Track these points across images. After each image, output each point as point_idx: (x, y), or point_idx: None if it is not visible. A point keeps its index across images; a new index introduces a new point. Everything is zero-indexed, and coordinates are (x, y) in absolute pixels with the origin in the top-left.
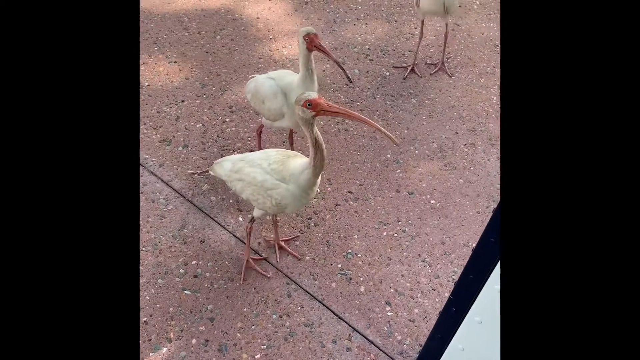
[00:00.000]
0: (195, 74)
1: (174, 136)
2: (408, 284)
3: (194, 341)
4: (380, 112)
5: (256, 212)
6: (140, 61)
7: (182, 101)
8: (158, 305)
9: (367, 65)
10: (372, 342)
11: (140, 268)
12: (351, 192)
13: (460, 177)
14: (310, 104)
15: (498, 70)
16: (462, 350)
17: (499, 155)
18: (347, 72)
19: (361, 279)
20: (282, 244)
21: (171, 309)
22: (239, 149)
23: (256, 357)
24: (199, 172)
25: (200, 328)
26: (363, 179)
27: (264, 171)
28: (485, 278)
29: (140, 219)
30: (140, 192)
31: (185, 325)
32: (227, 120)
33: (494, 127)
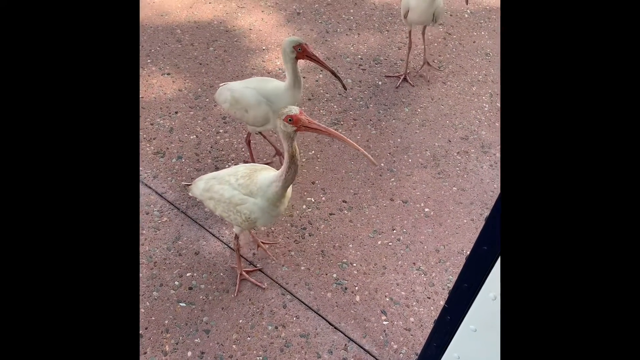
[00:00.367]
0: (188, 86)
1: (167, 148)
2: (403, 293)
3: (189, 353)
4: (373, 121)
5: (235, 229)
6: None
7: (176, 113)
8: (153, 318)
9: (359, 75)
10: (369, 352)
11: None
12: (345, 202)
13: (453, 185)
14: (291, 119)
15: (490, 78)
16: (458, 359)
17: (491, 162)
18: (344, 80)
19: (356, 288)
20: (261, 243)
21: (166, 322)
22: (232, 159)
23: None
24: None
25: (196, 340)
26: (357, 188)
27: (231, 187)
28: (479, 286)
29: None
30: None
31: (181, 338)
32: (221, 131)
33: (487, 134)
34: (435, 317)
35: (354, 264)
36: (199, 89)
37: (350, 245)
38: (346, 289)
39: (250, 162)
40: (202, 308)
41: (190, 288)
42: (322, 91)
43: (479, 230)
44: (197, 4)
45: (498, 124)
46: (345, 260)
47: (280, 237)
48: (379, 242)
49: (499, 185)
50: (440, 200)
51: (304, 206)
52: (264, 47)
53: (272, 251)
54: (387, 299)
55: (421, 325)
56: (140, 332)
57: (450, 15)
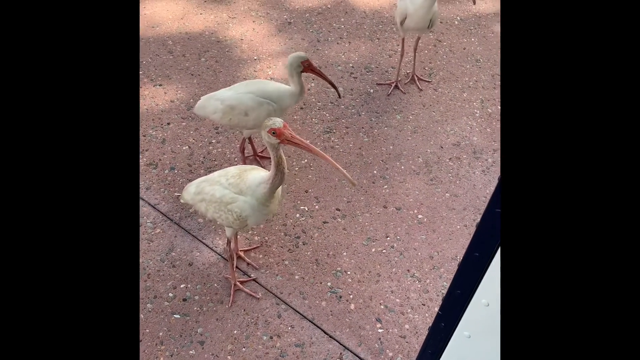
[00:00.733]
0: (180, 97)
1: (160, 159)
2: (398, 300)
3: None
4: (365, 128)
5: (227, 232)
6: None
7: (168, 124)
8: (147, 330)
9: (351, 83)
10: None
11: None
12: (339, 210)
13: (446, 191)
14: (274, 132)
15: (480, 84)
16: None
17: (484, 168)
18: (338, 88)
19: (351, 296)
20: (241, 253)
21: (161, 334)
22: None
23: None
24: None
25: (191, 352)
26: (350, 195)
27: (222, 187)
28: (472, 293)
29: None
30: None
31: (175, 350)
32: (214, 141)
33: (478, 140)
34: (430, 324)
35: (348, 272)
36: (191, 100)
37: (344, 253)
38: (341, 297)
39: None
40: (197, 319)
41: (185, 299)
42: (314, 100)
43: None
44: (188, 15)
45: (489, 130)
46: (339, 269)
47: (274, 246)
48: (373, 250)
49: (492, 190)
50: (433, 206)
51: (298, 215)
52: (255, 57)
53: (286, 271)
54: (382, 307)
55: (416, 332)
56: None
57: (441, 22)
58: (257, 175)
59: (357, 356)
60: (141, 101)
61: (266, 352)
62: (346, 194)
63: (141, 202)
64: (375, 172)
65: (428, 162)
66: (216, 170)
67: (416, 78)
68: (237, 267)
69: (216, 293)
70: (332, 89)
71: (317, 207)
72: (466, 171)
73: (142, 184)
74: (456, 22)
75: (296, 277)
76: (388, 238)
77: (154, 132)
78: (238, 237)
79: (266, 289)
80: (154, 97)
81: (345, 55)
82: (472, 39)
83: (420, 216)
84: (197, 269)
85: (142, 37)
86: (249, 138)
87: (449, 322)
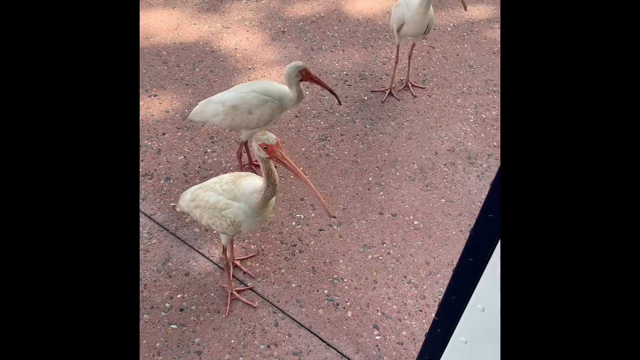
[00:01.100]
0: (175, 107)
1: (155, 169)
2: (395, 307)
3: None
4: (360, 135)
5: (222, 239)
6: None
7: (163, 134)
8: (144, 341)
9: (345, 91)
10: None
11: None
12: (335, 217)
13: (441, 197)
14: (265, 148)
15: (474, 90)
16: None
17: (479, 173)
18: (337, 95)
19: (348, 303)
20: (238, 262)
21: (158, 344)
22: None
23: None
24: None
25: None
26: (346, 203)
27: (216, 193)
28: (468, 298)
29: None
30: None
31: None
32: (209, 150)
33: (473, 145)
34: (427, 330)
35: (345, 280)
36: (186, 110)
37: (341, 261)
38: (338, 304)
39: (238, 166)
40: (194, 329)
41: (181, 309)
42: (308, 108)
43: None
44: (182, 25)
45: (484, 135)
46: (336, 276)
47: (270, 254)
48: (370, 257)
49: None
50: (429, 212)
51: (294, 223)
52: (249, 67)
53: (283, 280)
54: (379, 314)
55: (414, 339)
56: None
57: (434, 29)
58: (252, 182)
59: None
60: None
61: None
62: (342, 201)
63: None
64: (370, 178)
65: (423, 168)
66: (210, 177)
67: (410, 85)
68: (233, 276)
69: (213, 302)
70: (330, 96)
71: (313, 214)
72: (461, 177)
73: None
74: (449, 29)
75: (293, 285)
76: (384, 245)
77: (149, 143)
78: (234, 245)
79: (263, 297)
80: (148, 108)
81: (339, 63)
82: (465, 45)
83: (416, 222)
84: (194, 279)
85: None
86: (246, 145)
87: (445, 328)
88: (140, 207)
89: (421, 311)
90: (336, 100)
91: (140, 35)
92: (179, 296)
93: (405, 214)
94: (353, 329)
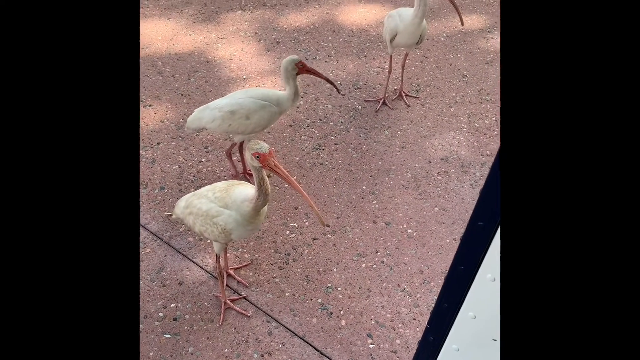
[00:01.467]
0: (170, 117)
1: (150, 179)
2: (389, 315)
3: None
4: (354, 145)
5: (215, 247)
6: None
7: (158, 144)
8: None
9: (339, 100)
10: None
11: None
12: (329, 226)
13: (435, 206)
14: (258, 157)
15: (467, 99)
16: None
17: (472, 182)
18: (336, 85)
19: (342, 312)
20: (231, 271)
21: (151, 354)
22: None
23: None
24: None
25: None
26: (340, 211)
27: (208, 200)
28: (459, 306)
29: None
30: None
31: None
32: (203, 160)
33: (466, 154)
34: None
35: (339, 288)
36: (181, 120)
37: (335, 270)
38: (331, 313)
39: (233, 175)
40: (187, 338)
41: (175, 319)
42: (302, 117)
43: None
44: (177, 36)
45: (477, 144)
46: (329, 285)
47: (264, 263)
48: (363, 265)
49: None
50: (423, 221)
51: (287, 232)
52: (244, 76)
53: (277, 289)
54: (373, 322)
55: (407, 347)
56: None
57: (427, 39)
58: (244, 190)
59: None
60: None
61: None
62: (335, 209)
63: None
64: (364, 187)
65: (417, 176)
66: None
67: (404, 94)
68: (227, 285)
69: (207, 312)
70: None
71: (307, 223)
72: (455, 185)
73: None
74: (442, 39)
75: (287, 294)
76: (378, 253)
77: (144, 152)
78: (228, 255)
79: (257, 306)
80: (143, 118)
81: (334, 73)
82: (458, 55)
83: (409, 231)
84: (187, 288)
85: None
86: (240, 152)
87: (438, 335)
88: None
89: (415, 319)
90: (335, 90)
91: None
92: (172, 305)
93: (399, 223)
94: (347, 337)
